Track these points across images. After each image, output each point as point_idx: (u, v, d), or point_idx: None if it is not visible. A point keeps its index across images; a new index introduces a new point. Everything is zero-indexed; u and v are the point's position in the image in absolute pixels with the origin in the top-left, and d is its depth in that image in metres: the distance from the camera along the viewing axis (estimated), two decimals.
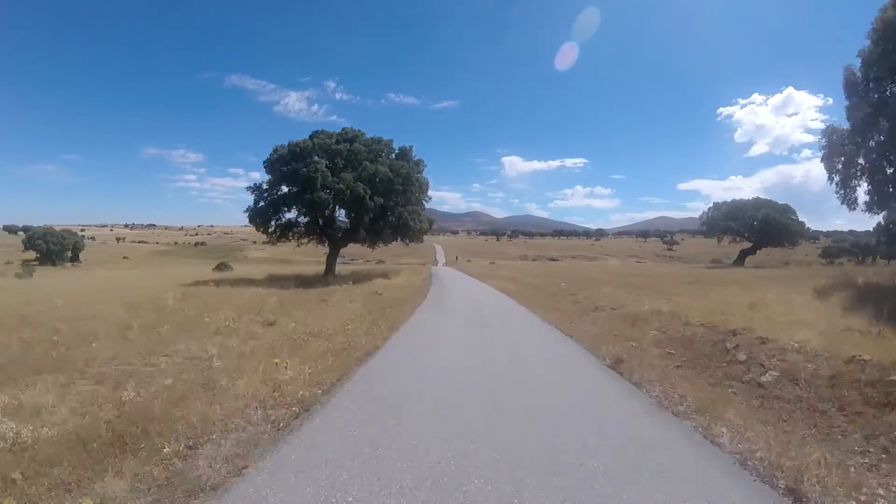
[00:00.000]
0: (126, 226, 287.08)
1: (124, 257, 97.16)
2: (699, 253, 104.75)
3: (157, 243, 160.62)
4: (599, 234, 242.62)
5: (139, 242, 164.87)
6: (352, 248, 36.14)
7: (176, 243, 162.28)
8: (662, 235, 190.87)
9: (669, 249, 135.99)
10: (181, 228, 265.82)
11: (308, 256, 54.97)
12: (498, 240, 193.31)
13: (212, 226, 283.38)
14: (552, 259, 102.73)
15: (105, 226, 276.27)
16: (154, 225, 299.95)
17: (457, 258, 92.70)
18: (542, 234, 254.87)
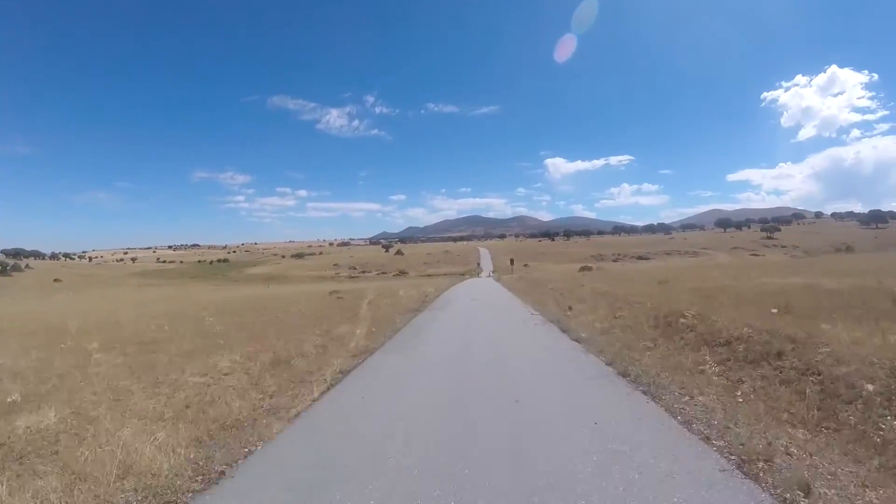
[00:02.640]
0: (170, 247, 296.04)
1: (55, 280, 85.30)
2: (811, 241, 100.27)
3: (173, 262, 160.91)
4: (663, 228, 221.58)
5: (161, 262, 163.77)
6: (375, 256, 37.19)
7: (199, 261, 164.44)
8: (738, 226, 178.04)
9: (770, 238, 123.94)
10: (225, 247, 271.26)
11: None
12: (553, 240, 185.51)
13: (255, 243, 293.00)
14: (640, 258, 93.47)
15: (149, 248, 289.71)
16: (198, 245, 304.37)
17: (512, 263, 64.95)
18: (601, 233, 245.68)
